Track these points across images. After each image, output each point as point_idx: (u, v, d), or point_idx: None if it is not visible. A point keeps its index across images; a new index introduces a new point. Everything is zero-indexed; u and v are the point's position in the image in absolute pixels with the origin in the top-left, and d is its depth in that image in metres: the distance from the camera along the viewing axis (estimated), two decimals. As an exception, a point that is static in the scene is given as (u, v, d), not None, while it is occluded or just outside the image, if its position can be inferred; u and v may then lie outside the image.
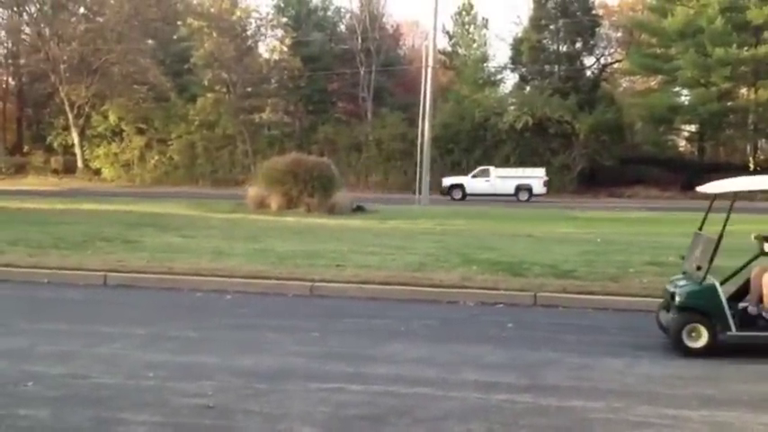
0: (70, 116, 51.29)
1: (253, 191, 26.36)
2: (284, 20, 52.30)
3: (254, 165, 43.45)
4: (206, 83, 49.87)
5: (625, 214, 27.27)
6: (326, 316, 9.35)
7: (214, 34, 48.04)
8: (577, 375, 6.73)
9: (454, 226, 20.39)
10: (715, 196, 8.34)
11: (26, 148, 57.67)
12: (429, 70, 34.39)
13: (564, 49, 51.51)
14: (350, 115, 54.66)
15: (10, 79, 59.66)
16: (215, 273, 11.48)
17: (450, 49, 56.33)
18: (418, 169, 34.30)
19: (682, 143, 56.11)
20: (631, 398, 6.08)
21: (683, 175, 46.33)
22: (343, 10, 58.51)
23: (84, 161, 53.18)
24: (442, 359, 7.25)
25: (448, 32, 56.38)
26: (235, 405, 5.80)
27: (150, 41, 54.61)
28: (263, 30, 53.47)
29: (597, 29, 52.37)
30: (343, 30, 56.96)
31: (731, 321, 7.44)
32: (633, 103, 50.32)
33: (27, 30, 54.17)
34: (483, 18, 55.95)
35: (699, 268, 7.79)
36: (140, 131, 53.33)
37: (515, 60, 53.71)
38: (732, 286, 8.12)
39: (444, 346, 7.80)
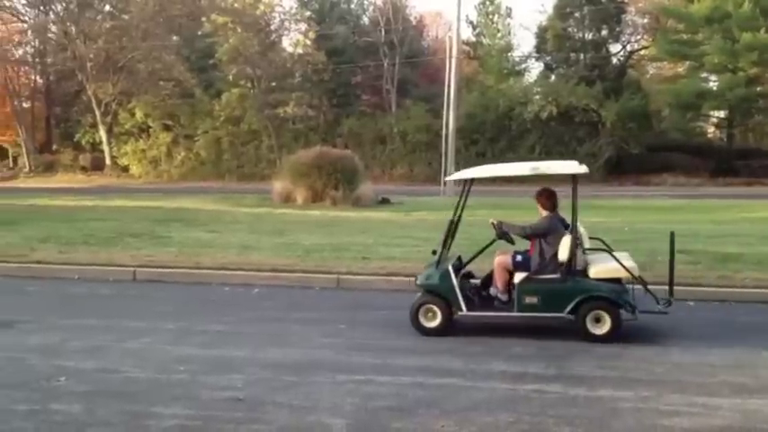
0: (98, 114, 51.75)
1: (278, 185, 26.45)
2: (308, 13, 52.30)
3: (280, 159, 43.58)
4: (231, 78, 50.00)
5: (652, 202, 27.01)
6: (353, 308, 9.38)
7: (238, 29, 48.14)
8: (606, 365, 6.70)
9: (480, 216, 20.28)
10: (472, 182, 8.71)
11: (55, 147, 58.31)
12: (453, 61, 34.25)
13: (589, 36, 50.97)
14: (374, 108, 54.58)
15: (38, 78, 60.29)
16: (242, 267, 11.57)
17: (473, 39, 55.98)
18: (443, 160, 34.20)
19: (710, 129, 55.38)
20: (661, 387, 6.04)
21: (712, 161, 45.74)
22: (366, 2, 58.41)
23: (112, 158, 53.66)
24: (468, 350, 7.26)
25: (471, 22, 56.07)
26: (264, 397, 5.85)
27: (175, 38, 54.88)
28: (286, 24, 53.54)
29: (623, 15, 51.71)
30: (367, 22, 56.84)
31: (462, 302, 7.81)
32: (660, 90, 49.71)
33: (53, 29, 54.67)
34: (507, 7, 55.56)
35: (434, 252, 8.21)
36: (167, 128, 53.67)
37: (540, 49, 53.23)
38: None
39: (471, 337, 7.80)
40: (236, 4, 50.24)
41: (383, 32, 52.00)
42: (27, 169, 54.38)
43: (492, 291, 8.21)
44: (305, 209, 23.07)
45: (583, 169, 8.48)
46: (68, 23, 52.04)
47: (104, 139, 52.64)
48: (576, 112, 45.83)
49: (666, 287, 8.12)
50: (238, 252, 12.88)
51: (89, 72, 50.21)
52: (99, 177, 51.32)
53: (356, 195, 24.70)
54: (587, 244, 8.30)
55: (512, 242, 8.50)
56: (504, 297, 8.05)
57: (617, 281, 7.81)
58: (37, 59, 58.44)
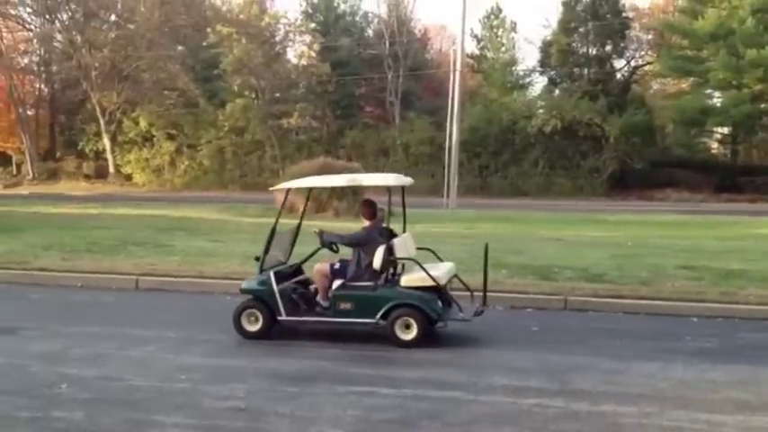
0: (102, 122, 51.87)
1: (281, 195, 26.45)
2: (312, 25, 52.45)
3: (283, 169, 43.61)
4: (235, 89, 50.14)
5: (656, 217, 26.99)
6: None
7: (243, 40, 48.28)
8: (609, 380, 6.68)
9: (483, 230, 20.32)
10: (288, 191, 9.07)
11: (59, 154, 58.41)
12: (457, 74, 34.31)
13: (593, 51, 51.07)
14: (377, 120, 54.65)
15: (43, 86, 60.47)
16: (245, 276, 11.51)
17: (478, 52, 56.13)
18: (446, 173, 34.20)
19: (714, 146, 55.40)
20: (664, 402, 6.02)
21: (716, 177, 45.74)
22: (371, 15, 58.56)
23: (116, 166, 53.76)
24: (471, 363, 7.24)
25: (476, 36, 56.23)
26: (266, 408, 5.84)
27: (180, 48, 55.06)
28: (291, 35, 53.67)
29: (627, 31, 51.82)
30: (371, 35, 57.00)
31: (281, 307, 8.09)
32: (664, 106, 49.75)
33: (59, 37, 54.84)
34: (511, 21, 55.67)
35: (257, 259, 8.48)
36: (171, 137, 53.77)
37: (544, 63, 53.33)
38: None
39: (473, 349, 7.79)
40: (241, 15, 50.49)
41: (387, 45, 52.14)
42: (30, 177, 54.47)
43: (319, 298, 8.42)
44: (308, 220, 23.02)
45: (404, 181, 8.87)
46: (74, 32, 52.22)
47: (108, 147, 52.75)
48: (580, 126, 45.86)
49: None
50: (241, 261, 12.86)
51: (94, 81, 50.36)
52: (102, 185, 51.41)
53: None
54: (413, 253, 8.57)
55: (335, 251, 8.74)
56: (325, 303, 8.27)
57: (430, 289, 7.99)
58: (42, 68, 58.66)
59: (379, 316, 7.90)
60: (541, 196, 44.14)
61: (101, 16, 53.64)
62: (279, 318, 8.17)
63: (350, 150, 48.93)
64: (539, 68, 54.74)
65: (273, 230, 8.54)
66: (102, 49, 50.18)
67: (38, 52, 57.80)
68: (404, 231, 8.88)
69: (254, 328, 8.22)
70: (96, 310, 9.88)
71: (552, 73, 53.15)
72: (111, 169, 53.53)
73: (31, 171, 55.16)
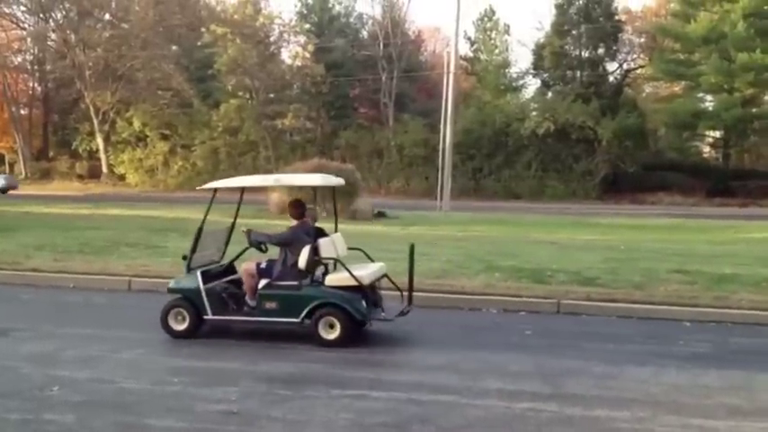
0: (95, 122, 51.79)
1: (275, 196, 26.45)
2: (307, 26, 52.51)
3: (277, 170, 43.60)
4: (229, 89, 50.15)
5: (648, 221, 27.06)
6: (349, 322, 9.34)
7: (237, 41, 48.28)
8: (602, 384, 6.68)
9: (476, 232, 20.34)
10: (216, 191, 8.95)
11: (52, 154, 58.32)
12: (451, 76, 34.35)
13: (586, 54, 51.26)
14: (371, 121, 54.72)
15: (36, 85, 60.37)
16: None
17: (471, 54, 56.27)
18: (440, 175, 34.24)
19: (706, 149, 55.66)
20: (657, 407, 6.02)
21: (708, 181, 45.92)
22: (365, 16, 58.71)
23: (109, 166, 53.67)
24: (464, 366, 7.23)
25: (470, 38, 56.41)
26: (258, 411, 5.82)
27: (174, 48, 55.04)
28: (285, 36, 53.73)
29: (620, 34, 52.06)
30: (366, 36, 57.09)
31: (207, 306, 8.15)
32: (656, 109, 49.97)
33: (53, 36, 54.78)
34: (505, 24, 55.91)
35: (184, 258, 8.49)
36: (164, 137, 53.72)
37: (537, 66, 53.50)
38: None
39: (467, 353, 7.77)
40: (235, 16, 50.46)
41: (382, 46, 52.21)
42: (23, 176, 54.32)
43: (247, 298, 8.45)
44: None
45: (331, 182, 9.07)
46: (68, 31, 52.14)
47: (101, 147, 52.67)
48: (573, 129, 45.99)
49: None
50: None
51: (88, 80, 50.27)
52: (95, 185, 51.28)
53: (353, 209, 24.70)
54: (342, 253, 8.58)
55: (263, 251, 8.78)
56: (252, 302, 8.29)
57: (354, 288, 8.02)
58: (36, 67, 58.58)
59: (303, 315, 7.96)
60: (534, 199, 44.24)
61: (95, 15, 53.61)
62: (205, 317, 8.22)
63: (344, 151, 48.98)
64: (532, 71, 54.96)
65: (200, 230, 8.53)
66: (96, 49, 50.12)
67: (31, 51, 57.74)
68: (335, 231, 8.97)
69: (181, 327, 8.26)
70: (88, 312, 9.84)
71: (545, 75, 53.32)
72: (105, 169, 53.45)
73: (23, 171, 55.02)
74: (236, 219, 9.10)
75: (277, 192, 26.78)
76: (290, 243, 8.27)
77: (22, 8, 54.64)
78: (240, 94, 51.02)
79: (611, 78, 53.41)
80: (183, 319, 8.27)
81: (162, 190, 50.72)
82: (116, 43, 50.62)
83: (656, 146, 53.24)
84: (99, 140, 52.58)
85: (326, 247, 8.27)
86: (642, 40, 54.74)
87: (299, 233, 8.29)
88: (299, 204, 8.59)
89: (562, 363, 7.41)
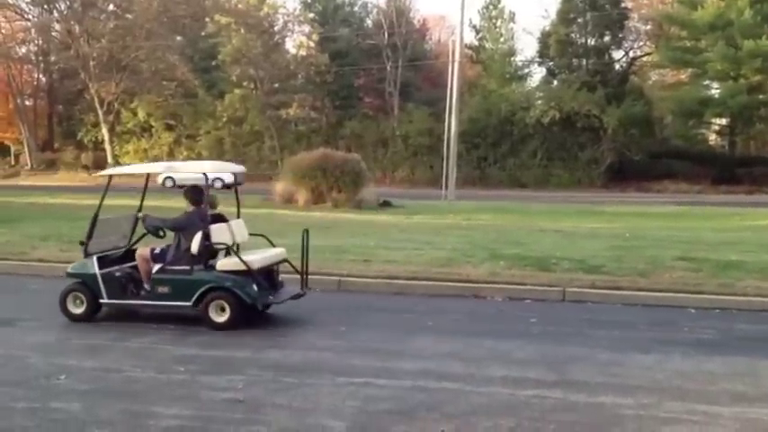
0: (100, 113, 51.78)
1: (280, 186, 26.48)
2: (311, 16, 52.32)
3: (281, 160, 43.58)
4: (234, 79, 50.06)
5: (654, 209, 27.01)
6: (354, 311, 9.39)
7: (242, 30, 48.17)
8: (607, 371, 6.69)
9: (481, 221, 20.33)
10: (111, 178, 9.22)
11: (57, 145, 58.36)
12: (456, 65, 34.23)
13: (592, 42, 51.00)
14: (376, 110, 54.60)
15: (41, 76, 60.39)
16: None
17: (476, 43, 56.04)
18: (445, 164, 34.17)
19: (712, 137, 55.41)
20: (662, 394, 6.04)
21: (714, 169, 45.74)
22: (369, 5, 58.46)
23: (114, 157, 53.67)
24: (469, 354, 7.25)
25: (475, 27, 56.14)
26: (264, 399, 5.85)
27: (178, 38, 54.95)
28: (290, 26, 53.55)
29: (626, 22, 51.74)
30: (370, 25, 56.87)
31: (103, 290, 8.40)
32: (662, 97, 49.72)
33: (57, 27, 54.68)
34: (510, 12, 55.56)
35: (81, 243, 8.67)
36: (169, 127, 53.73)
37: (543, 54, 53.25)
38: None
39: (472, 341, 7.79)
40: (239, 6, 50.33)
41: (386, 35, 52.01)
42: (29, 167, 54.43)
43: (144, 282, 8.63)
44: (306, 210, 23.07)
45: (223, 168, 9.69)
46: (72, 22, 52.06)
47: (106, 137, 52.67)
48: (578, 117, 45.81)
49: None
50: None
51: (92, 71, 50.23)
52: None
53: (358, 198, 24.70)
54: (242, 239, 8.88)
55: (161, 236, 8.91)
56: (148, 286, 8.47)
57: (244, 273, 8.22)
58: (40, 58, 58.54)
59: (194, 299, 8.15)
60: (539, 187, 44.14)
61: (99, 6, 53.49)
62: (101, 300, 8.47)
63: (349, 141, 48.89)
64: (537, 59, 54.74)
65: (95, 217, 8.72)
66: (101, 39, 50.05)
67: (36, 42, 57.65)
68: (237, 217, 9.27)
69: (78, 310, 8.51)
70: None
71: (551, 64, 53.08)
72: (110, 160, 53.40)
73: (29, 161, 55.13)
74: (141, 204, 9.29)
75: (282, 182, 26.81)
76: (183, 228, 8.47)
77: (26, -1, 54.68)
78: (245, 84, 50.92)
79: (616, 66, 53.15)
80: (81, 303, 8.53)
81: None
82: (120, 34, 50.53)
83: (662, 134, 53.01)
84: (104, 131, 52.59)
85: (218, 232, 8.44)
86: (648, 27, 54.43)
87: (194, 218, 8.46)
88: (195, 190, 8.73)
89: (567, 350, 7.43)
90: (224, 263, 8.36)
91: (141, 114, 52.88)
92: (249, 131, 51.76)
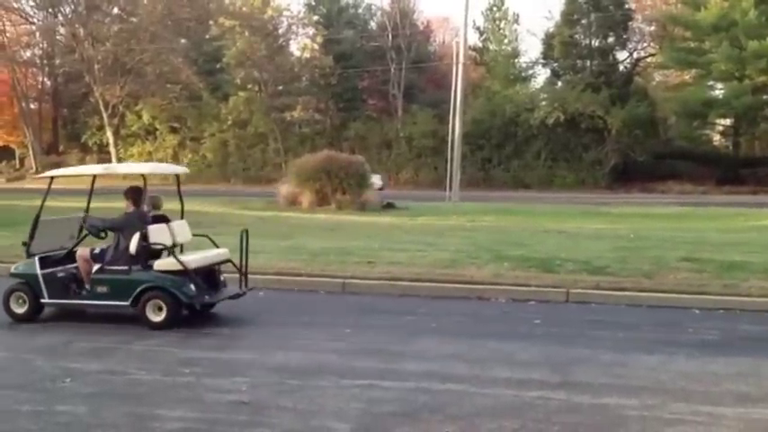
0: (105, 116, 51.91)
1: (284, 188, 26.50)
2: (315, 18, 52.40)
3: (286, 163, 43.64)
4: (238, 82, 50.15)
5: (658, 209, 26.98)
6: (358, 312, 9.39)
7: (246, 33, 48.27)
8: (611, 372, 6.69)
9: (485, 222, 20.33)
10: (52, 179, 9.26)
11: (62, 148, 58.52)
12: (460, 66, 34.25)
13: (596, 43, 50.96)
14: (380, 112, 54.65)
15: (46, 79, 60.53)
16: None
17: (480, 44, 56.05)
18: (449, 166, 34.20)
19: (716, 137, 55.30)
20: (666, 395, 6.03)
21: (718, 169, 45.68)
22: (373, 7, 58.56)
23: (119, 160, 53.78)
24: (473, 356, 7.25)
25: (478, 28, 56.17)
26: (269, 401, 5.86)
27: (183, 41, 55.07)
28: (294, 28, 53.66)
29: (630, 23, 51.71)
30: (374, 27, 56.94)
31: (44, 290, 8.52)
32: (667, 98, 49.68)
33: (62, 30, 54.88)
34: (514, 13, 55.74)
35: (24, 244, 8.86)
36: (174, 130, 53.84)
37: (547, 55, 53.24)
38: None
39: (476, 342, 7.79)
40: (244, 8, 50.42)
41: (390, 37, 52.08)
42: (34, 170, 54.54)
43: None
44: (310, 212, 23.10)
45: (163, 170, 9.81)
46: (77, 25, 52.20)
47: (111, 140, 52.80)
48: (583, 118, 45.81)
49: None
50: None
51: (97, 74, 50.36)
52: (105, 179, 51.38)
53: (362, 200, 24.72)
54: (184, 239, 9.04)
55: (102, 237, 9.05)
56: (88, 286, 8.58)
57: (181, 273, 8.33)
58: (45, 61, 58.69)
59: (131, 299, 8.28)
60: (544, 189, 44.14)
61: (103, 9, 53.65)
62: (42, 300, 8.60)
63: (353, 143, 48.96)
64: (541, 60, 54.74)
65: (37, 217, 8.84)
66: (105, 43, 50.20)
67: (41, 45, 57.82)
68: (181, 218, 9.46)
69: (21, 310, 8.64)
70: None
71: (555, 65, 53.06)
72: (115, 162, 53.54)
73: (34, 165, 55.24)
74: (88, 206, 9.44)
75: (286, 184, 26.84)
76: (122, 228, 8.61)
77: (31, 3, 54.80)
78: (249, 86, 51.00)
79: (621, 67, 53.11)
80: (24, 303, 8.64)
81: (171, 183, 50.73)
82: (125, 37, 50.66)
83: (666, 134, 52.94)
84: (109, 134, 52.71)
85: (156, 233, 8.55)
86: (652, 28, 54.38)
87: (132, 219, 8.62)
88: (134, 191, 8.91)
89: (571, 351, 7.42)
90: (161, 263, 8.47)
91: (146, 117, 53.01)
92: (253, 134, 51.83)
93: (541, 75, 56.61)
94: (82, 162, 54.75)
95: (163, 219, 8.96)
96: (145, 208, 8.95)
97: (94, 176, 9.85)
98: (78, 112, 58.14)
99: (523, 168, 47.36)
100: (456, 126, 33.62)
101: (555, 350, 7.47)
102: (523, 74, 55.73)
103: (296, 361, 7.02)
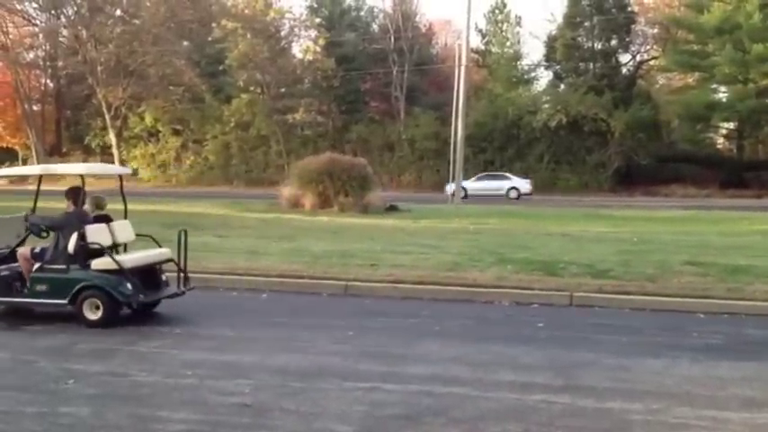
0: (107, 117, 51.96)
1: (287, 190, 26.50)
2: (318, 20, 52.45)
3: (288, 165, 43.65)
4: (240, 84, 50.20)
5: (661, 213, 26.95)
6: (361, 315, 9.37)
7: (248, 35, 48.32)
8: (615, 376, 6.67)
9: (488, 225, 20.31)
10: None
11: (65, 149, 58.58)
12: (462, 69, 34.26)
13: (599, 46, 50.97)
14: (383, 115, 54.67)
15: (48, 81, 60.62)
16: (250, 272, 11.57)
17: (483, 47, 56.04)
18: (451, 168, 34.21)
19: (719, 141, 55.28)
20: (670, 399, 6.01)
21: (722, 173, 45.65)
22: (376, 10, 58.64)
23: (122, 162, 53.79)
24: (477, 359, 7.23)
25: (481, 31, 56.17)
26: (272, 403, 5.84)
27: (186, 43, 55.14)
28: (296, 31, 53.72)
29: (633, 26, 51.72)
30: (376, 29, 56.97)
31: None
32: (670, 101, 49.69)
33: (65, 32, 54.92)
34: (516, 16, 55.62)
35: None
36: (176, 132, 53.89)
37: (549, 58, 53.26)
38: None
39: (479, 345, 7.77)
40: (246, 11, 50.48)
41: (392, 40, 52.12)
42: (36, 172, 54.56)
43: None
44: (313, 215, 23.08)
45: (96, 170, 9.98)
46: (79, 27, 52.27)
47: (114, 142, 52.85)
48: (585, 121, 45.81)
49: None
50: (246, 257, 12.89)
51: (99, 76, 50.42)
52: (108, 181, 51.45)
53: (364, 202, 24.72)
54: (126, 239, 9.25)
55: (42, 237, 9.15)
56: (29, 284, 8.67)
57: (117, 272, 8.45)
58: (48, 63, 58.75)
59: (69, 297, 8.38)
60: (547, 191, 44.11)
61: (106, 11, 53.68)
62: None
63: (355, 145, 48.98)
64: (544, 63, 54.73)
65: None
66: (108, 45, 50.24)
67: (44, 47, 57.89)
68: (125, 218, 9.63)
69: None
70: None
71: (557, 68, 53.08)
72: (117, 164, 53.60)
73: (36, 166, 55.29)
74: (35, 205, 9.57)
75: (288, 186, 26.84)
76: (61, 227, 8.71)
77: (34, 5, 54.83)
78: (251, 88, 51.05)
79: (624, 70, 53.12)
80: None
81: (174, 185, 50.90)
82: (127, 39, 50.71)
83: (670, 138, 52.93)
84: (111, 136, 52.75)
85: (94, 233, 8.64)
86: (655, 31, 54.40)
87: (71, 218, 8.73)
88: (74, 191, 9.04)
89: (574, 355, 7.40)
90: (98, 262, 8.55)
91: (148, 119, 53.06)
92: (256, 136, 51.87)
93: (544, 77, 56.73)
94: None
95: (105, 219, 9.10)
96: (87, 208, 9.07)
97: (40, 177, 10.05)
98: (81, 114, 58.24)
99: (526, 171, 47.36)
100: (458, 128, 33.61)
101: (558, 354, 7.45)
102: (526, 76, 55.76)
103: (298, 363, 7.01)
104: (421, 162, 49.41)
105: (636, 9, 52.60)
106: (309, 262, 12.35)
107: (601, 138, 46.58)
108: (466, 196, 36.21)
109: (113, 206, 9.40)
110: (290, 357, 7.23)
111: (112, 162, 53.56)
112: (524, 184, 40.74)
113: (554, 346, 7.73)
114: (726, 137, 53.49)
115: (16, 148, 59.36)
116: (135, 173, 54.18)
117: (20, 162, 59.45)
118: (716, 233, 18.02)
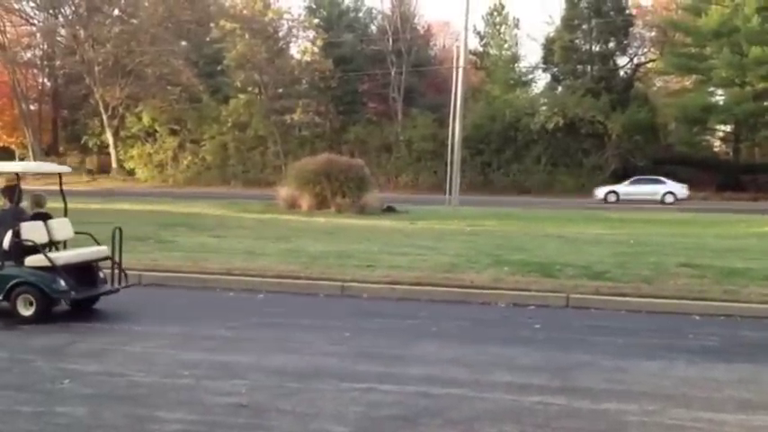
0: (105, 117, 51.91)
1: (284, 191, 26.50)
2: (316, 21, 52.42)
3: (285, 165, 43.60)
4: (238, 84, 50.15)
5: (658, 215, 26.98)
6: (358, 316, 9.38)
7: (246, 36, 48.29)
8: (611, 378, 6.68)
9: (485, 227, 20.32)
10: None
11: (62, 149, 58.48)
12: (460, 71, 34.24)
13: (596, 48, 50.98)
14: (380, 116, 54.64)
15: (46, 81, 60.52)
16: (247, 272, 11.57)
17: (481, 49, 56.03)
18: (449, 170, 34.16)
19: (716, 143, 55.29)
20: (666, 401, 6.02)
21: (718, 175, 45.69)
22: (374, 11, 58.57)
23: (119, 161, 53.80)
24: (473, 360, 7.24)
25: (479, 33, 56.13)
26: (268, 404, 5.85)
27: (183, 43, 55.06)
28: (294, 31, 53.68)
29: (630, 28, 51.73)
30: (375, 31, 56.94)
31: None
32: (667, 103, 49.72)
33: (62, 32, 54.85)
34: (514, 18, 55.63)
35: None
36: (173, 132, 53.81)
37: (547, 60, 53.27)
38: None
39: (476, 347, 7.78)
40: (244, 11, 50.44)
41: (391, 41, 52.11)
42: (33, 171, 54.46)
43: None
44: (310, 215, 23.08)
45: (32, 168, 10.06)
46: (77, 27, 52.22)
47: (111, 142, 52.81)
48: (583, 123, 45.83)
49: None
50: (243, 258, 12.89)
51: (97, 76, 50.37)
52: (105, 180, 51.44)
53: (362, 203, 24.72)
54: (64, 236, 9.44)
55: None
56: None
57: (50, 269, 8.59)
58: (45, 62, 58.66)
59: (4, 293, 8.57)
60: (544, 193, 44.14)
61: (104, 11, 53.62)
62: None
63: (353, 146, 48.93)
64: (542, 65, 54.75)
65: None
66: (106, 44, 50.18)
67: (41, 47, 57.79)
68: (65, 215, 9.83)
69: None
70: (99, 306, 9.87)
71: (555, 70, 53.09)
72: (114, 164, 53.62)
73: (33, 166, 55.17)
74: None
75: (285, 187, 26.84)
76: None
77: (32, 4, 54.77)
78: (249, 89, 51.00)
79: (621, 73, 53.13)
80: None
81: (171, 185, 50.83)
82: (125, 39, 50.66)
83: (667, 140, 52.91)
84: (108, 135, 52.70)
85: (29, 230, 8.79)
86: (653, 34, 54.44)
87: (6, 216, 8.93)
88: (10, 189, 9.30)
89: (571, 356, 7.41)
90: (31, 259, 8.69)
91: (146, 119, 52.99)
92: (253, 136, 51.81)
93: (542, 79, 56.71)
94: (82, 163, 54.81)
95: (44, 216, 9.24)
96: (24, 205, 9.21)
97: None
98: (78, 114, 58.11)
99: (523, 173, 47.36)
100: (456, 130, 33.59)
101: (555, 355, 7.46)
102: (523, 78, 55.75)
103: (295, 364, 7.01)
104: (418, 163, 49.39)
105: (634, 12, 52.64)
106: (306, 263, 12.35)
107: (598, 140, 46.60)
108: (617, 201, 36.55)
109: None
110: (287, 358, 7.24)
111: (110, 161, 53.60)
112: (680, 189, 39.08)
113: (550, 348, 7.75)
114: (723, 140, 53.49)
115: (13, 147, 59.20)
116: (132, 173, 54.18)
117: (16, 161, 59.37)
118: (712, 236, 18.05)
